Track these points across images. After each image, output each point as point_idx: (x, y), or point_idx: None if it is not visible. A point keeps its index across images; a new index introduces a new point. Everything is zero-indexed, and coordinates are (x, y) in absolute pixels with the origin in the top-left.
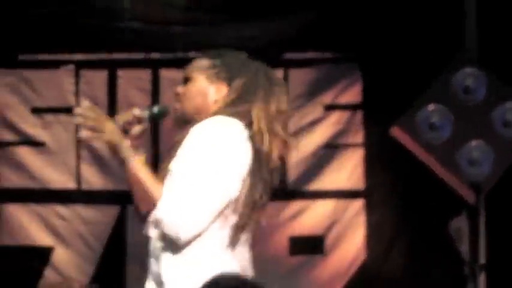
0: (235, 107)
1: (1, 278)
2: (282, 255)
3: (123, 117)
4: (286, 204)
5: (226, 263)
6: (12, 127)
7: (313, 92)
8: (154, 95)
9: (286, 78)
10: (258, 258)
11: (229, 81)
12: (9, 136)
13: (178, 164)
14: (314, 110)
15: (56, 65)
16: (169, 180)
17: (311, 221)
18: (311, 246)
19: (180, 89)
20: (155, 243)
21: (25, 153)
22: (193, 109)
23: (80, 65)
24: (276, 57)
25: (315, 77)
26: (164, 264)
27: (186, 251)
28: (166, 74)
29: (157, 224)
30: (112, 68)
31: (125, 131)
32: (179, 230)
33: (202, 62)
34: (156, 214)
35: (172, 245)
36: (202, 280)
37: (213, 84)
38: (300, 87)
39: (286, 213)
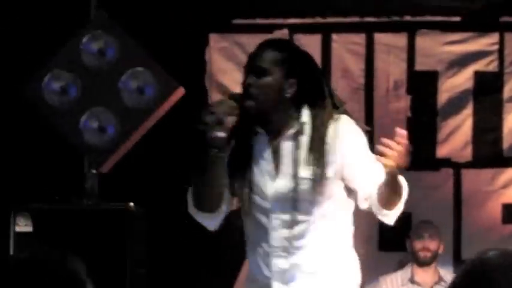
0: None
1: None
2: (496, 223)
3: (220, 107)
4: (500, 171)
5: None
6: (226, 91)
7: None
8: (368, 60)
9: (502, 41)
10: (471, 226)
11: (300, 76)
12: None
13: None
14: None
15: (269, 29)
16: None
17: None
18: None
19: (252, 80)
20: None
21: None
22: (269, 102)
23: (294, 29)
24: (492, 20)
25: None
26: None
27: None
28: (380, 38)
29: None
30: (326, 31)
31: (220, 121)
32: None
33: (277, 55)
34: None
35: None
36: None
37: (287, 79)
38: None
39: (501, 181)
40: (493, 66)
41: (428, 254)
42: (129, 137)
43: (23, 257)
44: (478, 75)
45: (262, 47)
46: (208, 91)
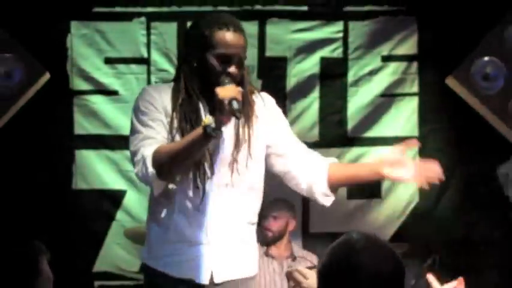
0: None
1: (76, 220)
2: (341, 198)
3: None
4: (345, 150)
5: None
6: (86, 77)
7: (371, 43)
8: None
9: (346, 30)
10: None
11: None
12: (83, 85)
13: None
14: (372, 61)
15: (128, 17)
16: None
17: None
18: (368, 190)
19: (237, 70)
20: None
21: (98, 102)
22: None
23: (151, 17)
24: (337, 10)
25: (373, 29)
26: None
27: None
28: None
29: None
30: (182, 20)
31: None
32: None
33: (246, 42)
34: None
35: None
36: None
37: None
38: (359, 39)
39: (346, 160)
40: (337, 53)
41: (270, 234)
42: None
43: None
44: (324, 61)
45: (235, 32)
46: (70, 77)
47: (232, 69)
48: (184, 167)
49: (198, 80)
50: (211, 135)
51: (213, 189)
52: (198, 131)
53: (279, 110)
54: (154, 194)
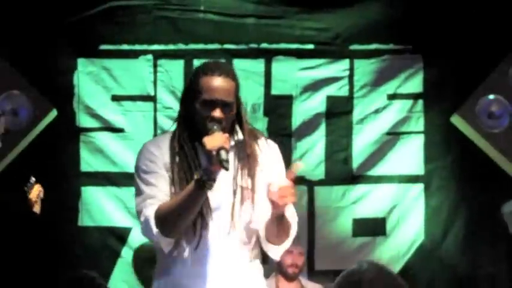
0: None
1: (81, 256)
2: (346, 236)
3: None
4: (351, 188)
5: None
6: (93, 114)
7: (377, 81)
8: None
9: (351, 68)
10: (324, 239)
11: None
12: (90, 122)
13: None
14: (378, 99)
15: (135, 54)
16: None
17: (374, 204)
18: (374, 227)
19: (221, 114)
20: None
21: (105, 139)
22: (229, 126)
23: (158, 55)
24: (343, 48)
25: (379, 68)
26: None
27: None
28: (239, 63)
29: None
30: (188, 58)
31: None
32: None
33: (234, 86)
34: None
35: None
36: None
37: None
38: (365, 77)
39: (351, 197)
40: (343, 91)
41: (297, 270)
42: (3, 158)
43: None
44: (330, 99)
45: (220, 77)
46: (77, 114)
47: (216, 113)
48: (188, 220)
49: (189, 128)
50: (205, 188)
51: (229, 245)
52: (191, 185)
53: (280, 157)
54: (164, 250)
